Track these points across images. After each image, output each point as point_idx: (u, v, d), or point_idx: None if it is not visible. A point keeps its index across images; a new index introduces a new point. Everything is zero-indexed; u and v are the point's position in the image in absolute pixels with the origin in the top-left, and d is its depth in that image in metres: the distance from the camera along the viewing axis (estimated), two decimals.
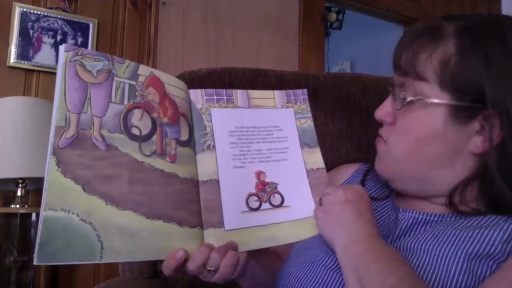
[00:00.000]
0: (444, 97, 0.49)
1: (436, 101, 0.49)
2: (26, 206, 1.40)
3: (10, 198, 1.47)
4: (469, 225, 0.48)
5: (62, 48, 0.46)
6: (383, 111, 0.55)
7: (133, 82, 0.50)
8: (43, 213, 0.40)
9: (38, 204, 1.45)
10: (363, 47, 3.14)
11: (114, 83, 0.48)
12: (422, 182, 0.53)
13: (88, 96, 0.46)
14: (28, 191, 1.49)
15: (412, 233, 0.52)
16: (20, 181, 1.39)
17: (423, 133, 0.50)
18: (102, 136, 0.46)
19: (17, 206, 1.39)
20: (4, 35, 1.57)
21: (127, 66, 0.50)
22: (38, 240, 0.39)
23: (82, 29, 1.69)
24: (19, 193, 1.40)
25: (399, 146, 0.53)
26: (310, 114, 0.64)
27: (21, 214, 1.40)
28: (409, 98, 0.51)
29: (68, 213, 0.41)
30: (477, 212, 0.49)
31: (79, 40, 1.68)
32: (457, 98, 0.48)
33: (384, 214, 0.58)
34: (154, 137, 0.50)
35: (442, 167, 0.51)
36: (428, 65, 0.50)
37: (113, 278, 0.82)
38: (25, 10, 1.60)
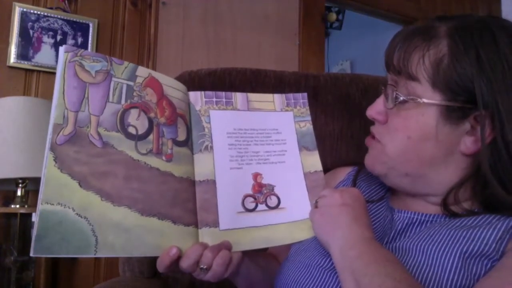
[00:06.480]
0: (436, 97, 0.49)
1: (428, 101, 0.49)
2: (26, 206, 1.41)
3: (10, 198, 1.48)
4: (463, 225, 0.48)
5: (62, 49, 0.47)
6: (375, 109, 0.55)
7: (131, 83, 0.51)
8: (40, 206, 0.42)
9: None
10: (363, 47, 3.14)
11: (112, 83, 0.50)
12: (416, 180, 0.53)
13: (86, 95, 0.47)
14: (28, 191, 1.49)
15: (408, 233, 0.53)
16: (20, 181, 1.40)
17: (416, 132, 0.50)
18: (98, 134, 0.47)
19: (17, 206, 1.39)
20: (4, 35, 1.58)
21: (125, 67, 0.51)
22: (34, 233, 0.41)
23: (82, 29, 1.70)
24: (19, 193, 1.41)
25: (392, 144, 0.53)
26: (309, 118, 0.64)
27: (21, 214, 1.40)
28: (401, 98, 0.51)
29: (64, 208, 0.43)
30: (470, 213, 0.50)
31: (79, 40, 1.69)
32: (448, 98, 0.48)
33: (379, 215, 0.58)
34: (151, 137, 0.51)
35: (435, 166, 0.51)
36: (420, 66, 0.50)
37: (113, 278, 0.82)
38: (25, 10, 1.60)
